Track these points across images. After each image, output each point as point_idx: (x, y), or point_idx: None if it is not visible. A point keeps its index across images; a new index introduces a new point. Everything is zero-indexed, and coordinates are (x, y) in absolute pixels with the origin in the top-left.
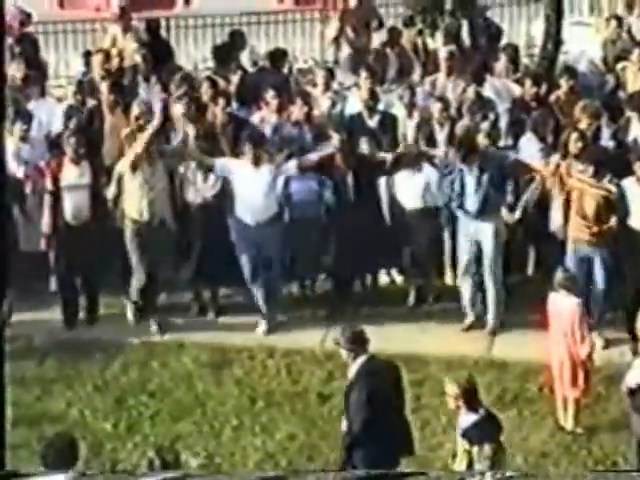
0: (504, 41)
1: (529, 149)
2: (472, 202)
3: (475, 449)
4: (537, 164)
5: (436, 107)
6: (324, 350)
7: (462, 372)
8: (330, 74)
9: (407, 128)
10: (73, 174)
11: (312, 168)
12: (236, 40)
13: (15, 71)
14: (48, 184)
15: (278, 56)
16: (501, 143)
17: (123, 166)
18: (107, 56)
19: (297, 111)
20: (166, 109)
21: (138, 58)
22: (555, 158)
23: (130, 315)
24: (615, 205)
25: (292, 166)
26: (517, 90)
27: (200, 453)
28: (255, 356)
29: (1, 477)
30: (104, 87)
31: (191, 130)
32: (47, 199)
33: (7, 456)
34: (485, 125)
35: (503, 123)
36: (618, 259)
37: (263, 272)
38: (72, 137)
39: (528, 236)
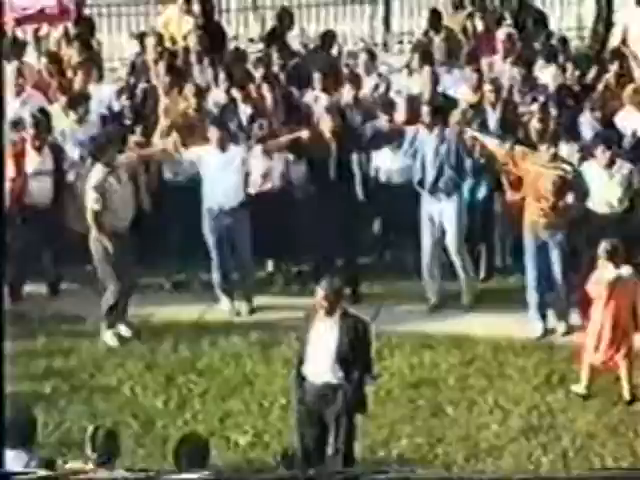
0: (553, 23)
1: (586, 130)
2: (429, 174)
3: None
4: (492, 145)
5: (488, 89)
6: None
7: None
8: (371, 56)
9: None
10: (35, 161)
11: (280, 150)
12: (284, 19)
13: (72, 54)
14: (10, 171)
15: (328, 38)
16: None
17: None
18: (160, 38)
19: (345, 93)
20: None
21: (193, 40)
22: (509, 143)
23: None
24: (571, 185)
25: (258, 150)
26: (559, 74)
27: (249, 431)
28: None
29: (1, 477)
30: (161, 69)
31: (247, 112)
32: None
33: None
34: (535, 107)
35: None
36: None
37: (232, 257)
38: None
39: None
